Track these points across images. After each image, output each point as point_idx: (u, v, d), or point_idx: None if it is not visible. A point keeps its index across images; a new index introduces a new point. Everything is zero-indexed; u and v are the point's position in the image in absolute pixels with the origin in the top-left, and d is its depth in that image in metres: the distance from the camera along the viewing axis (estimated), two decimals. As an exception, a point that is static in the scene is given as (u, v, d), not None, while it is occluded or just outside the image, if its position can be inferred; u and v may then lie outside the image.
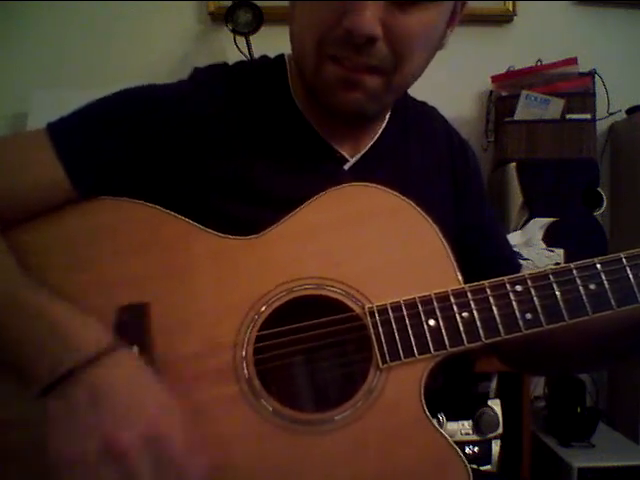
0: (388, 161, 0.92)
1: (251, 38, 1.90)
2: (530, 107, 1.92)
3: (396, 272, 0.78)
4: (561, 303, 0.75)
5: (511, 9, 2.15)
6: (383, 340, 0.75)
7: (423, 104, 1.01)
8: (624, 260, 0.76)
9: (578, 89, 1.95)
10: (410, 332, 0.75)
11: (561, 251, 1.74)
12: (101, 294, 0.75)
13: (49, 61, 2.09)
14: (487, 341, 0.75)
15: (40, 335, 0.68)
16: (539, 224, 1.81)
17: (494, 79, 2.05)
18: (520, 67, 2.02)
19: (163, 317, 0.75)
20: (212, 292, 0.77)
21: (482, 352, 0.88)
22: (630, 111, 2.06)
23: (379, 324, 0.75)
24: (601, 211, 1.88)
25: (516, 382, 1.73)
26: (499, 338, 0.75)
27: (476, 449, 1.69)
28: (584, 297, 0.75)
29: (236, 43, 1.93)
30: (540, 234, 1.80)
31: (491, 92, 2.08)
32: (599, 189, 1.88)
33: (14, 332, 0.70)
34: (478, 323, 0.75)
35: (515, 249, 1.67)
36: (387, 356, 0.75)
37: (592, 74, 1.97)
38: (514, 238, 1.78)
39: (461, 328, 0.75)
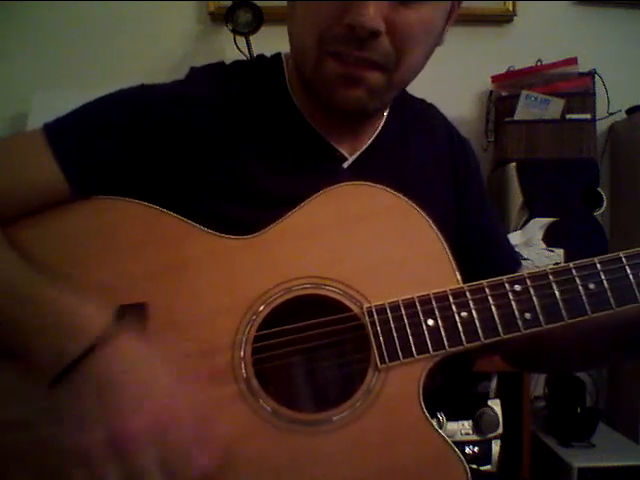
0: (387, 159, 0.92)
1: (251, 38, 1.90)
2: (530, 107, 1.92)
3: (394, 271, 0.78)
4: (560, 303, 0.75)
5: (511, 9, 2.15)
6: (381, 340, 0.75)
7: (422, 101, 1.01)
8: (624, 259, 0.76)
9: (578, 89, 1.95)
10: (408, 332, 0.75)
11: (561, 251, 1.74)
12: (98, 294, 0.75)
13: (49, 61, 2.09)
14: (486, 341, 0.75)
15: (40, 325, 0.69)
16: (539, 224, 1.81)
17: (494, 79, 2.05)
18: (520, 67, 2.02)
19: (161, 317, 0.75)
20: (210, 292, 0.77)
21: (482, 352, 0.88)
22: (630, 111, 2.06)
23: (377, 324, 0.75)
24: (601, 211, 1.88)
25: (516, 382, 1.72)
26: (498, 338, 0.75)
27: (476, 449, 1.69)
28: (583, 297, 0.75)
29: (236, 43, 1.93)
30: (540, 234, 1.79)
31: (491, 92, 2.08)
32: (599, 189, 1.88)
33: (15, 323, 0.70)
34: (477, 323, 0.75)
35: (515, 249, 1.68)
36: (385, 356, 0.75)
37: (592, 74, 1.97)
38: (514, 238, 1.78)
39: (460, 328, 0.75)
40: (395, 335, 0.75)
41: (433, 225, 0.80)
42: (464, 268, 0.80)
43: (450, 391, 1.62)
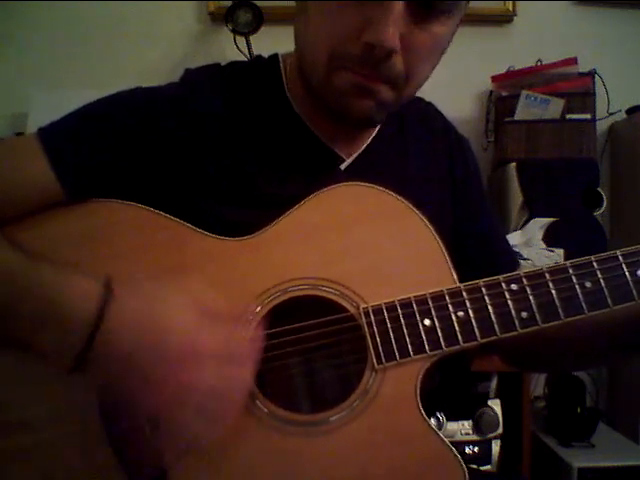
0: (385, 160, 0.91)
1: (251, 38, 1.90)
2: (530, 107, 1.92)
3: (391, 272, 0.78)
4: (557, 301, 0.75)
5: (511, 9, 2.15)
6: (378, 340, 0.75)
7: (420, 100, 1.00)
8: (620, 258, 0.76)
9: (578, 89, 1.95)
10: (405, 332, 0.75)
11: (561, 251, 1.74)
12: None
13: (49, 61, 2.09)
14: (483, 340, 0.75)
15: (38, 317, 0.69)
16: (539, 224, 1.81)
17: (494, 79, 2.05)
18: (520, 67, 2.01)
19: None
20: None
21: (479, 351, 0.88)
22: (630, 111, 2.06)
23: (374, 324, 0.75)
24: (601, 211, 1.88)
25: (516, 382, 1.72)
26: (495, 337, 0.75)
27: (476, 449, 1.68)
28: (580, 295, 0.75)
29: (236, 43, 1.93)
30: (540, 234, 1.79)
31: (491, 92, 2.08)
32: (599, 189, 1.88)
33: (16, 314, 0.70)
34: (474, 322, 0.75)
35: (515, 249, 1.68)
36: (382, 356, 0.74)
37: (592, 74, 1.96)
38: (514, 238, 1.78)
39: (456, 328, 0.75)
40: (392, 335, 0.75)
41: (429, 225, 0.80)
42: (462, 270, 0.79)
43: (450, 391, 1.62)
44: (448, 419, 1.67)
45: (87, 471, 0.72)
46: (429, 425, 0.74)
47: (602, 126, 2.07)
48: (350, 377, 0.77)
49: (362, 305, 0.76)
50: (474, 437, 1.68)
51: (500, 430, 1.69)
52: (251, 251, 0.78)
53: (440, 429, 1.61)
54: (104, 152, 0.80)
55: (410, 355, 0.74)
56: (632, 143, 2.03)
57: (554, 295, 0.75)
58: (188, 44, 2.14)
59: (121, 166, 0.81)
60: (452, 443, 0.74)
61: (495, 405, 1.70)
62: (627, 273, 0.75)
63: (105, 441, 0.72)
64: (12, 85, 2.06)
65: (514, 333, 0.75)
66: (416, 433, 0.74)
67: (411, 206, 0.80)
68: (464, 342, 0.75)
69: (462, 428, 1.68)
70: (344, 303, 0.76)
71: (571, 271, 0.76)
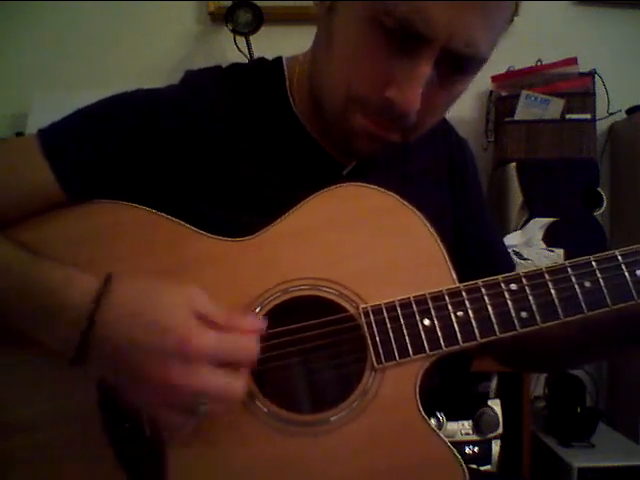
0: (386, 165, 0.91)
1: (251, 38, 1.90)
2: (530, 107, 1.92)
3: (391, 272, 0.78)
4: (556, 301, 0.75)
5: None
6: (378, 340, 0.75)
7: None
8: (619, 257, 0.76)
9: (578, 89, 1.95)
10: (405, 332, 0.75)
11: (561, 251, 1.74)
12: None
13: (49, 62, 2.09)
14: (482, 340, 0.75)
15: (38, 312, 0.70)
16: (539, 224, 1.81)
17: (494, 79, 2.05)
18: (520, 67, 2.02)
19: None
20: (208, 294, 0.76)
21: (479, 351, 0.88)
22: (630, 111, 2.06)
23: (374, 324, 0.75)
24: (601, 211, 1.88)
25: (516, 382, 1.72)
26: (494, 337, 0.75)
27: (476, 449, 1.69)
28: (579, 295, 0.75)
29: (236, 43, 1.93)
30: (540, 234, 1.79)
31: (491, 92, 2.08)
32: (599, 189, 1.88)
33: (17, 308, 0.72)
34: (473, 322, 0.75)
35: (515, 249, 1.68)
36: (382, 356, 0.74)
37: (592, 74, 1.96)
38: (514, 238, 1.78)
39: (456, 327, 0.75)
40: (391, 335, 0.75)
41: (429, 225, 0.80)
42: (462, 271, 0.79)
43: (450, 391, 1.62)
44: (448, 419, 1.67)
45: (87, 471, 0.73)
46: (429, 425, 0.74)
47: (602, 126, 2.07)
48: (350, 377, 0.77)
49: (362, 305, 0.76)
50: (474, 437, 1.68)
51: (500, 430, 1.69)
52: (251, 252, 0.78)
53: (440, 429, 1.61)
54: (106, 152, 0.80)
55: (410, 355, 0.74)
56: (632, 143, 2.03)
57: (553, 295, 0.75)
58: (188, 44, 2.14)
59: (122, 166, 0.81)
60: (452, 443, 0.74)
61: (495, 405, 1.71)
62: (626, 273, 0.75)
63: (105, 441, 0.72)
64: (12, 85, 2.06)
65: (514, 333, 0.75)
66: (416, 433, 0.74)
67: (410, 206, 0.80)
68: (464, 342, 0.75)
69: (462, 428, 1.69)
70: (344, 303, 0.76)
71: (570, 271, 0.76)
